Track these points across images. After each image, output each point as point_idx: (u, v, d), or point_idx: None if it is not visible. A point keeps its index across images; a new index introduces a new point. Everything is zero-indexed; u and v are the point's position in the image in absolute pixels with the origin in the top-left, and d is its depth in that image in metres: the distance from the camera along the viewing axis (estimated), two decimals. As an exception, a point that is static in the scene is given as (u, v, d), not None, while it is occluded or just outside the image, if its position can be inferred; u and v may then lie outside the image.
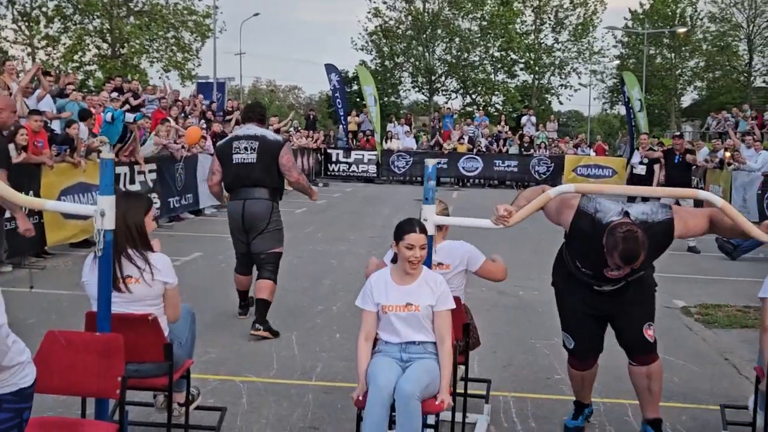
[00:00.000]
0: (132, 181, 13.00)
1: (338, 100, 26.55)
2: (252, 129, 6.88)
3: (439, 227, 4.21)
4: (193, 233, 13.30)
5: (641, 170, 13.57)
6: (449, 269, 4.23)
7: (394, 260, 3.77)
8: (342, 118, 27.00)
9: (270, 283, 6.66)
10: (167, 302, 3.94)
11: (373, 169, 26.91)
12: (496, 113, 45.54)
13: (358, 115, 28.76)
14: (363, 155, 26.97)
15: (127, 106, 16.49)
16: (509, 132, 28.55)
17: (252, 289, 6.99)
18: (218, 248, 11.08)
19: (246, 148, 6.72)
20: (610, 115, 60.58)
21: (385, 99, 47.10)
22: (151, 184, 13.64)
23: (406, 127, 28.17)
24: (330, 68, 26.72)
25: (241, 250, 6.91)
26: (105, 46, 38.35)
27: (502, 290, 8.76)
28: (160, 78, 37.09)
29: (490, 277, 4.45)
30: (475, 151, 26.65)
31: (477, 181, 27.20)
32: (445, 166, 25.97)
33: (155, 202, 13.61)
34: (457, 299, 3.89)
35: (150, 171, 13.74)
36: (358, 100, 46.81)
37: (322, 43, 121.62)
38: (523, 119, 28.85)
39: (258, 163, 6.64)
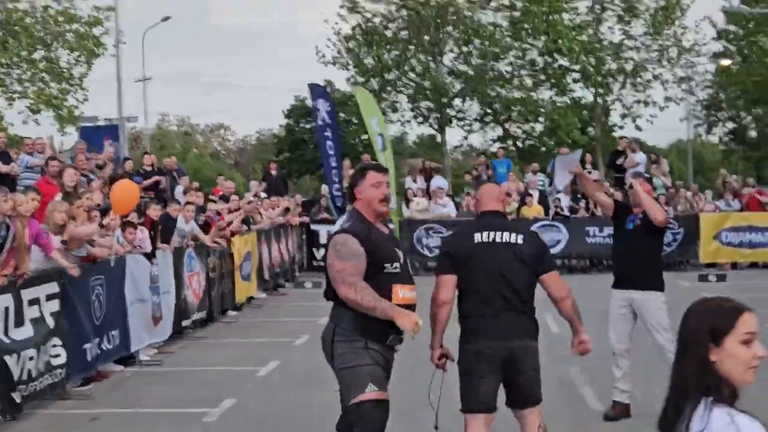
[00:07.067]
0: (20, 323, 10.33)
1: (329, 142, 24.46)
2: None
3: None
4: (126, 408, 11.06)
5: None
6: None
7: None
8: (333, 172, 24.77)
9: None
10: None
11: (388, 252, 24.87)
12: (542, 149, 44.19)
13: (353, 166, 26.54)
14: (371, 231, 24.86)
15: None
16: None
17: None
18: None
19: None
20: (706, 144, 59.12)
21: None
22: (51, 322, 11.06)
23: (441, 181, 26.04)
24: (317, 91, 24.92)
25: None
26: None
27: None
28: (25, 123, 35.21)
29: None
30: (552, 215, 25.02)
31: (560, 261, 25.28)
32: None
33: (58, 354, 11.00)
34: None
35: (48, 297, 11.08)
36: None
37: (265, 57, 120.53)
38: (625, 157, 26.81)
39: None
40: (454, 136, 50.53)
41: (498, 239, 6.73)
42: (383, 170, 6.46)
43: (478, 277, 6.64)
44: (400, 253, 6.35)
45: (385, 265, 6.15)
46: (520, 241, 6.74)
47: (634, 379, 9.68)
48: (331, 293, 6.26)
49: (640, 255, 9.46)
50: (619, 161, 26.23)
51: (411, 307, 6.17)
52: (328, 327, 6.32)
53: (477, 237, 6.78)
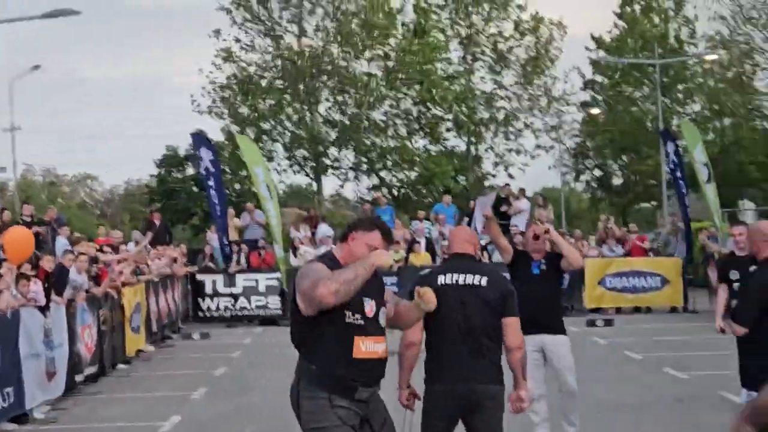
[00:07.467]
0: None
1: (213, 191, 24.14)
2: None
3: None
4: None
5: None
6: None
7: None
8: (219, 221, 24.47)
9: None
10: None
11: (275, 302, 25.01)
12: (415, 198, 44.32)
13: (237, 216, 26.72)
14: (257, 280, 25.01)
15: None
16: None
17: None
18: None
19: None
20: (573, 192, 60.19)
21: (249, 185, 44.90)
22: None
23: (327, 229, 26.03)
24: (199, 140, 24.55)
25: None
26: None
27: None
28: None
29: None
30: (440, 262, 24.38)
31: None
32: (396, 289, 23.57)
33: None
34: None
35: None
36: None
37: (135, 107, 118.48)
38: (515, 204, 26.78)
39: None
40: (330, 184, 50.39)
41: (461, 281, 6.66)
42: (390, 240, 6.02)
43: (440, 319, 6.53)
44: (370, 302, 5.79)
45: (346, 312, 5.65)
46: (483, 283, 6.67)
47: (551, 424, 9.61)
48: (297, 339, 5.87)
49: (547, 300, 9.50)
50: (503, 208, 26.24)
51: (379, 361, 5.79)
52: (294, 380, 5.89)
53: (441, 279, 6.69)
